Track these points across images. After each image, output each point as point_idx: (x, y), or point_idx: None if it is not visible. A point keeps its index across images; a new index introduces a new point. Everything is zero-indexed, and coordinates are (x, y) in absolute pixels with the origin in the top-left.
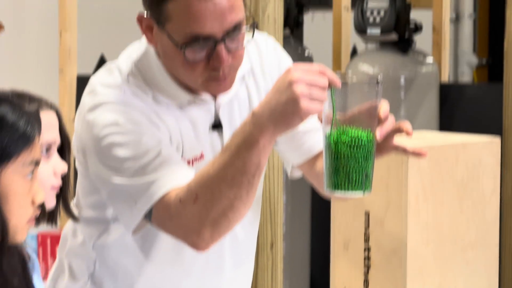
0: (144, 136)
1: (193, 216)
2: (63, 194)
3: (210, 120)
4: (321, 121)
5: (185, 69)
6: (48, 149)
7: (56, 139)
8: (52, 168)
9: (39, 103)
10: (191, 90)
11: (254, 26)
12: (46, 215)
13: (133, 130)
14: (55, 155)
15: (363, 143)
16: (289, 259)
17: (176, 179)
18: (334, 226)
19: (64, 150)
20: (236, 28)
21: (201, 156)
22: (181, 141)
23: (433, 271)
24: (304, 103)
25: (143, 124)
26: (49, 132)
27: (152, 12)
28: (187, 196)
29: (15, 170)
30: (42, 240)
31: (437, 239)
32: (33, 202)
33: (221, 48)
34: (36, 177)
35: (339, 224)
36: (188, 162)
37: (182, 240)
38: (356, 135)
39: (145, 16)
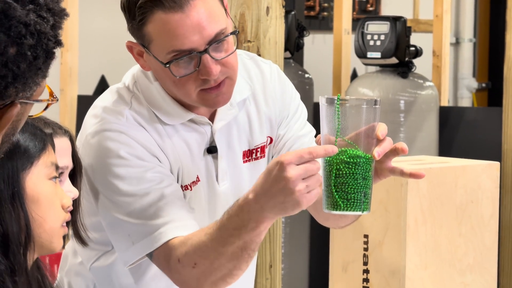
0: (147, 173)
1: (192, 278)
2: (73, 219)
3: (206, 143)
4: (319, 144)
5: (178, 87)
6: (60, 174)
7: (68, 164)
8: None
9: (53, 128)
10: (190, 109)
11: (237, 33)
12: None
13: (136, 164)
14: (67, 181)
15: (361, 162)
16: (287, 280)
17: (177, 229)
18: (333, 248)
19: (76, 174)
20: (219, 37)
21: (197, 180)
22: (181, 167)
23: None
24: (304, 199)
25: (146, 159)
26: (62, 158)
27: (137, 37)
28: (185, 260)
29: (40, 172)
30: (40, 258)
31: (436, 262)
32: (62, 206)
33: (206, 59)
34: (58, 183)
35: (338, 246)
36: (187, 187)
37: None
38: (354, 154)
39: (133, 42)
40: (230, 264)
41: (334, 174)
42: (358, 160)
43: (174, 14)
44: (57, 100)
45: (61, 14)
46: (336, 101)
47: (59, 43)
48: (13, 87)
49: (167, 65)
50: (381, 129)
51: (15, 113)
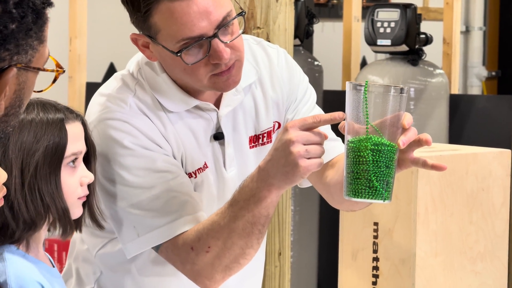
0: (153, 163)
1: (206, 264)
2: (89, 203)
3: (212, 130)
4: (343, 130)
5: (189, 74)
6: (74, 159)
7: (82, 149)
8: (79, 179)
9: (65, 113)
10: (195, 96)
11: (243, 14)
12: (73, 224)
13: (141, 154)
14: (81, 165)
15: (385, 150)
16: (296, 268)
17: (187, 223)
18: (343, 236)
19: (89, 158)
20: (226, 20)
21: (205, 166)
22: (184, 154)
23: (442, 282)
24: (303, 163)
25: (150, 148)
26: (75, 144)
27: (142, 29)
28: (199, 246)
29: None
30: (49, 246)
31: (446, 250)
32: None
33: (216, 43)
34: None
35: (348, 234)
36: (191, 175)
37: (192, 281)
38: (379, 141)
39: (138, 34)
40: (242, 241)
41: (357, 161)
42: (383, 148)
43: (180, 2)
44: (64, 71)
45: None
46: (364, 88)
47: (48, 3)
48: (5, 49)
49: (179, 54)
50: (407, 118)
51: (11, 76)
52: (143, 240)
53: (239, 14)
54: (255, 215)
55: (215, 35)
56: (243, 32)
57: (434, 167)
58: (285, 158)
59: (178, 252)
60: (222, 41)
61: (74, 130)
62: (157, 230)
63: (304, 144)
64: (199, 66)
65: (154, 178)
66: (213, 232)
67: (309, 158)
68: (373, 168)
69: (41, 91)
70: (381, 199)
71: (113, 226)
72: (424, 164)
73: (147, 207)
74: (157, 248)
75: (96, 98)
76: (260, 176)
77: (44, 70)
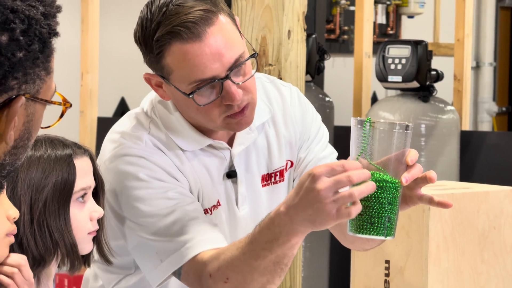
0: (168, 192)
1: None
2: (98, 237)
3: (225, 168)
4: None
5: (201, 115)
6: (83, 195)
7: (91, 184)
8: (88, 214)
9: (73, 149)
10: (209, 134)
11: (256, 56)
12: (80, 260)
13: (155, 185)
14: (91, 200)
15: (388, 187)
16: None
17: (204, 242)
18: (354, 273)
19: (98, 193)
20: (238, 62)
21: (218, 204)
22: (201, 190)
23: None
24: (334, 211)
25: (166, 180)
26: (84, 179)
27: (155, 69)
28: (217, 276)
29: None
30: (59, 281)
31: None
32: (8, 217)
33: (229, 85)
34: (4, 194)
35: (359, 272)
36: (207, 211)
37: None
38: (381, 177)
39: (151, 74)
40: (263, 278)
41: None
42: (385, 185)
43: (192, 44)
44: (71, 105)
45: (52, 5)
46: (364, 124)
47: (54, 33)
48: (13, 77)
49: (191, 96)
50: (411, 155)
51: (20, 106)
52: (165, 264)
53: (252, 56)
54: (279, 256)
55: (227, 77)
56: (256, 70)
57: (440, 204)
58: (314, 209)
59: (199, 274)
60: (234, 83)
61: (82, 165)
62: (177, 252)
63: (333, 193)
64: (212, 107)
65: (170, 205)
66: (232, 266)
67: (339, 205)
68: (374, 205)
69: (48, 126)
70: (382, 236)
71: (136, 259)
72: (430, 201)
73: (166, 233)
74: (179, 275)
75: (110, 136)
76: (282, 221)
77: (52, 102)
